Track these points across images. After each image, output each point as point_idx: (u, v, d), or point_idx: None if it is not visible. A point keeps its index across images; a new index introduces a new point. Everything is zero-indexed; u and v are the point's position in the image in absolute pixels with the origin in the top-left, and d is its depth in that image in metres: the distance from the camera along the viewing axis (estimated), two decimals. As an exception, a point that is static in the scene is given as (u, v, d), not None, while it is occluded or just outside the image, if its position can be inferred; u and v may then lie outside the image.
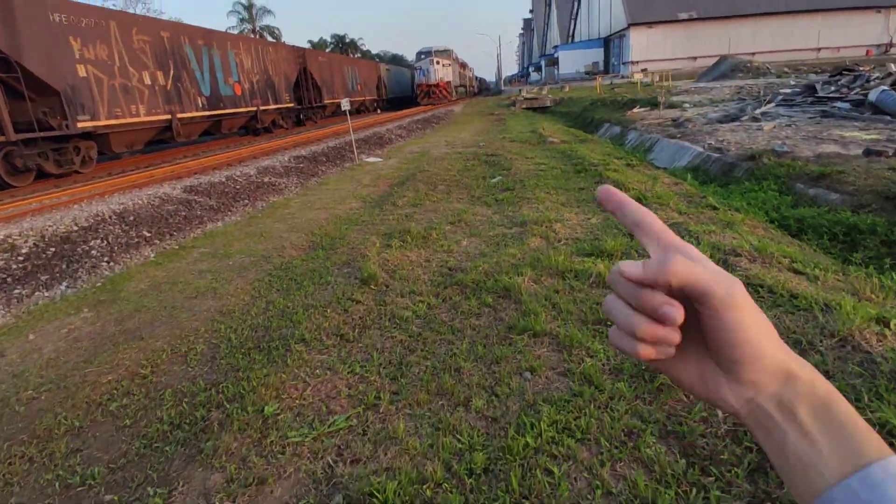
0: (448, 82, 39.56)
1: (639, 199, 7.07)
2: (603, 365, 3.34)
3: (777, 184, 8.25)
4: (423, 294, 4.78)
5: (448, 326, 4.13)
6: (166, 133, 14.66)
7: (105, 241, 6.89)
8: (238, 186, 10.01)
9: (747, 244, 5.13)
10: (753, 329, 0.44)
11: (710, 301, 0.43)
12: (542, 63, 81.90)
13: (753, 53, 51.02)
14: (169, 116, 14.40)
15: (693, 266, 0.44)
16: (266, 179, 10.88)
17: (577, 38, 78.81)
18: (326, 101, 26.54)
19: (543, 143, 15.26)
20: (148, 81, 13.71)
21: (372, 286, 5.10)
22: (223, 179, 10.07)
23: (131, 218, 7.71)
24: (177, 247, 7.40)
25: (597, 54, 69.83)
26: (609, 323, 0.73)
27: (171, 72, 14.71)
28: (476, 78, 79.43)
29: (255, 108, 19.16)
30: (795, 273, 4.53)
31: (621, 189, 7.20)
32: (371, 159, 14.69)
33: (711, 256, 4.77)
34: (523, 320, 4.01)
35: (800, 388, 0.44)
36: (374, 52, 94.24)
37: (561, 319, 4.02)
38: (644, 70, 50.27)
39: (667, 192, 7.68)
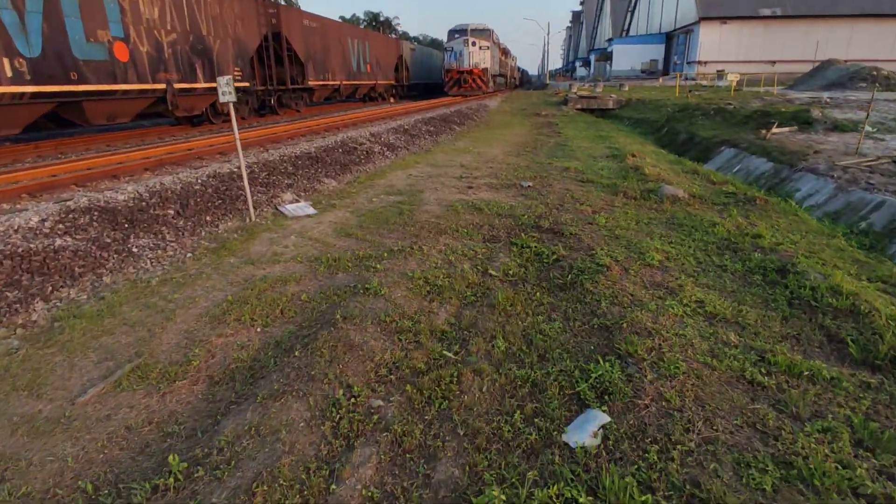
0: (484, 69, 31.09)
1: None
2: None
3: None
4: None
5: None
6: None
7: None
8: None
9: None
10: None
11: None
12: (592, 58, 72.20)
13: (846, 60, 41.13)
14: None
15: None
16: None
17: (632, 33, 69.15)
18: (312, 83, 18.68)
19: (654, 196, 7.11)
20: None
21: None
22: None
23: None
24: None
25: (656, 51, 60.34)
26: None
27: None
28: (518, 68, 70.28)
29: (163, 87, 11.53)
30: None
31: None
32: (289, 208, 6.82)
33: None
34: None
35: None
36: (412, 34, 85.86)
37: None
38: (720, 71, 41.06)
39: None
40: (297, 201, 7.26)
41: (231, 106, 5.92)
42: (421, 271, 4.66)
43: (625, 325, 3.53)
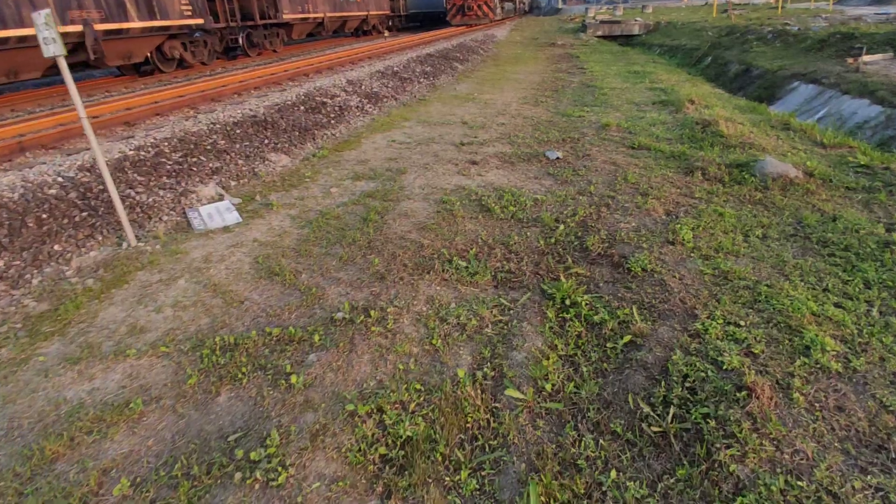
0: (491, -6, 27.23)
1: None
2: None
3: None
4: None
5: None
6: None
7: None
8: None
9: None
10: None
11: None
12: (608, -24, 65.36)
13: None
14: None
15: None
16: None
17: (653, -55, 62.08)
18: (288, 17, 15.62)
19: (751, 175, 4.64)
20: None
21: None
22: None
23: None
24: None
25: (681, -35, 54.12)
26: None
27: None
28: (527, -9, 63.76)
29: (78, 29, 8.86)
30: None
31: None
32: (203, 213, 4.49)
33: None
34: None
35: None
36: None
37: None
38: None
39: None
40: (220, 198, 4.89)
41: (62, 61, 3.46)
42: (375, 384, 2.40)
43: None
